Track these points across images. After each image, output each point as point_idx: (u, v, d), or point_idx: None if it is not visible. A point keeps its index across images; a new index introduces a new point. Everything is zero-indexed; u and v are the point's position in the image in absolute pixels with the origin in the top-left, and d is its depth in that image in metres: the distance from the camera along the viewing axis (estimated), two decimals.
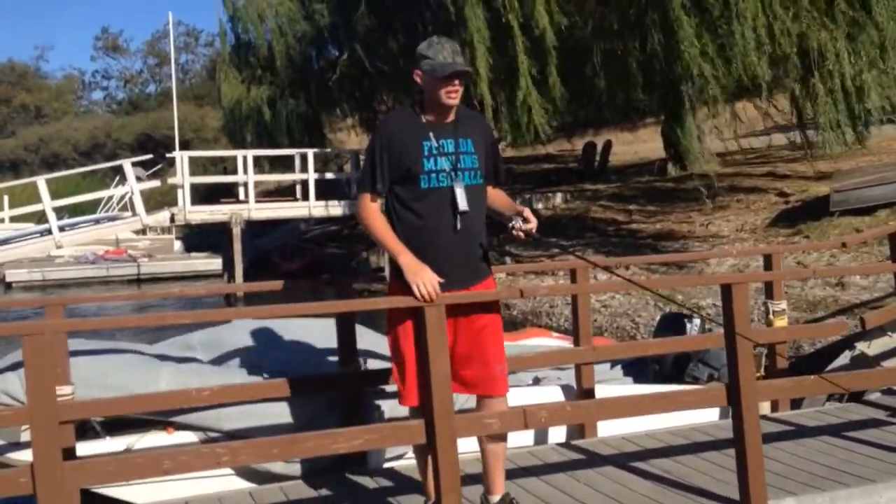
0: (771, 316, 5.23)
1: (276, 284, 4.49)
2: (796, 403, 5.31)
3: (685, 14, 12.10)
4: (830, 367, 5.59)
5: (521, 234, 3.45)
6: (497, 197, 3.62)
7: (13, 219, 21.46)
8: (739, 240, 13.08)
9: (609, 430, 4.86)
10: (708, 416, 4.99)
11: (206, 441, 4.25)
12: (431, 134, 3.38)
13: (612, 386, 5.35)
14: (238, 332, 4.98)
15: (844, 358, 5.59)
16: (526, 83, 13.84)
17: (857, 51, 12.91)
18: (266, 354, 4.78)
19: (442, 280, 3.30)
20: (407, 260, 3.30)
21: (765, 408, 5.14)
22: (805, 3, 12.63)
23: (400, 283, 3.38)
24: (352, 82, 22.58)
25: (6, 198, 23.52)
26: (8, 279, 19.59)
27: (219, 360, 4.82)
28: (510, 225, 3.48)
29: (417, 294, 3.25)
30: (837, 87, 12.95)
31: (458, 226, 3.36)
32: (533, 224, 3.46)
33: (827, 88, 12.96)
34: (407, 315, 3.35)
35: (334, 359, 4.52)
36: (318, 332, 4.88)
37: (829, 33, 12.70)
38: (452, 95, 3.35)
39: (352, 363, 4.41)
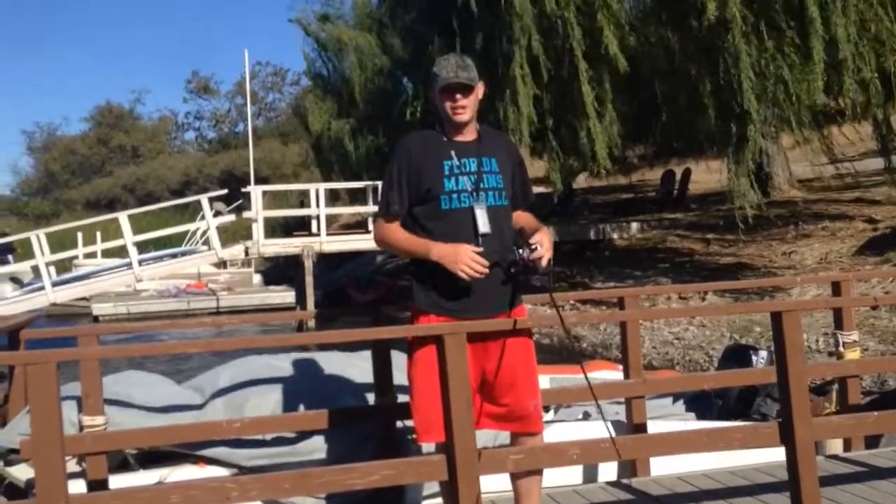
0: (841, 348, 4.86)
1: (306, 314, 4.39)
2: (873, 443, 4.90)
3: (744, 42, 11.61)
4: None
5: (529, 263, 3.10)
6: (521, 220, 3.39)
7: (105, 253, 22.32)
8: (823, 269, 12.42)
9: (664, 468, 4.56)
10: (779, 456, 4.64)
11: (238, 475, 4.16)
12: (453, 152, 3.21)
13: (668, 422, 5.04)
14: (278, 363, 4.89)
15: None
16: (588, 117, 13.55)
17: None
18: (306, 386, 4.67)
19: (479, 249, 3.10)
20: (438, 250, 3.12)
21: (837, 446, 4.77)
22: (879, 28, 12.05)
23: (418, 309, 3.23)
24: (425, 116, 22.69)
25: (98, 234, 24.49)
26: (95, 312, 20.20)
27: (255, 392, 4.73)
28: (517, 255, 3.14)
29: (467, 277, 3.08)
30: None
31: (480, 249, 3.13)
32: (541, 254, 3.11)
33: None
34: (423, 344, 3.18)
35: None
36: (363, 363, 4.75)
37: None
38: (458, 111, 3.19)
39: (387, 395, 4.26)
